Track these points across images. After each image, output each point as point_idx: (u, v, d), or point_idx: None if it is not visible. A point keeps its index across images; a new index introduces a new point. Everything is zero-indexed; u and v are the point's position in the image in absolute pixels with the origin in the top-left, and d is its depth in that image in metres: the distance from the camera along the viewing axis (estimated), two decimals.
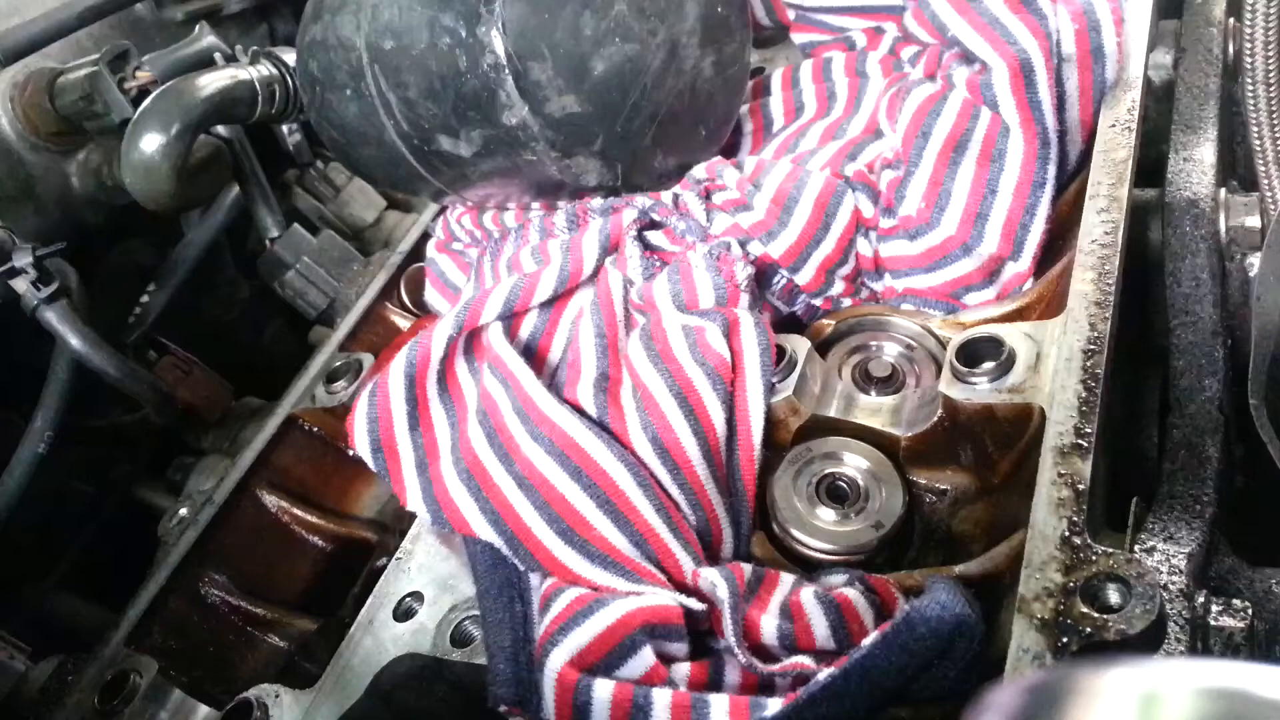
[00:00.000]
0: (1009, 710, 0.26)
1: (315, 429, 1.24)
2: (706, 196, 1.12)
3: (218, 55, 1.51)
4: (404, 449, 1.03)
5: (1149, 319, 1.10)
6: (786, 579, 0.85)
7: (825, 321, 1.11)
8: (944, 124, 1.07)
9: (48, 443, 1.27)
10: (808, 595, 0.81)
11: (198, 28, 1.57)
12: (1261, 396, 0.90)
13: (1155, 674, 0.24)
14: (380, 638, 0.96)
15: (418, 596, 0.98)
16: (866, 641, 0.73)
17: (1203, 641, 0.74)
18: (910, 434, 0.96)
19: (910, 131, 1.10)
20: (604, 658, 0.79)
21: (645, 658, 0.78)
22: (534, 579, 0.90)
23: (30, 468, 1.26)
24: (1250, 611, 0.74)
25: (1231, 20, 1.30)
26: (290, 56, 1.45)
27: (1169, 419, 0.98)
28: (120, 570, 1.21)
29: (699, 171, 1.14)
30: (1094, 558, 0.71)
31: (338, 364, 1.29)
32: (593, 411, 0.96)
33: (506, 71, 1.04)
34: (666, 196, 1.13)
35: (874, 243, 1.12)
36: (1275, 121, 1.20)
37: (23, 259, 1.25)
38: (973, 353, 0.92)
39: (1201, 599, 0.75)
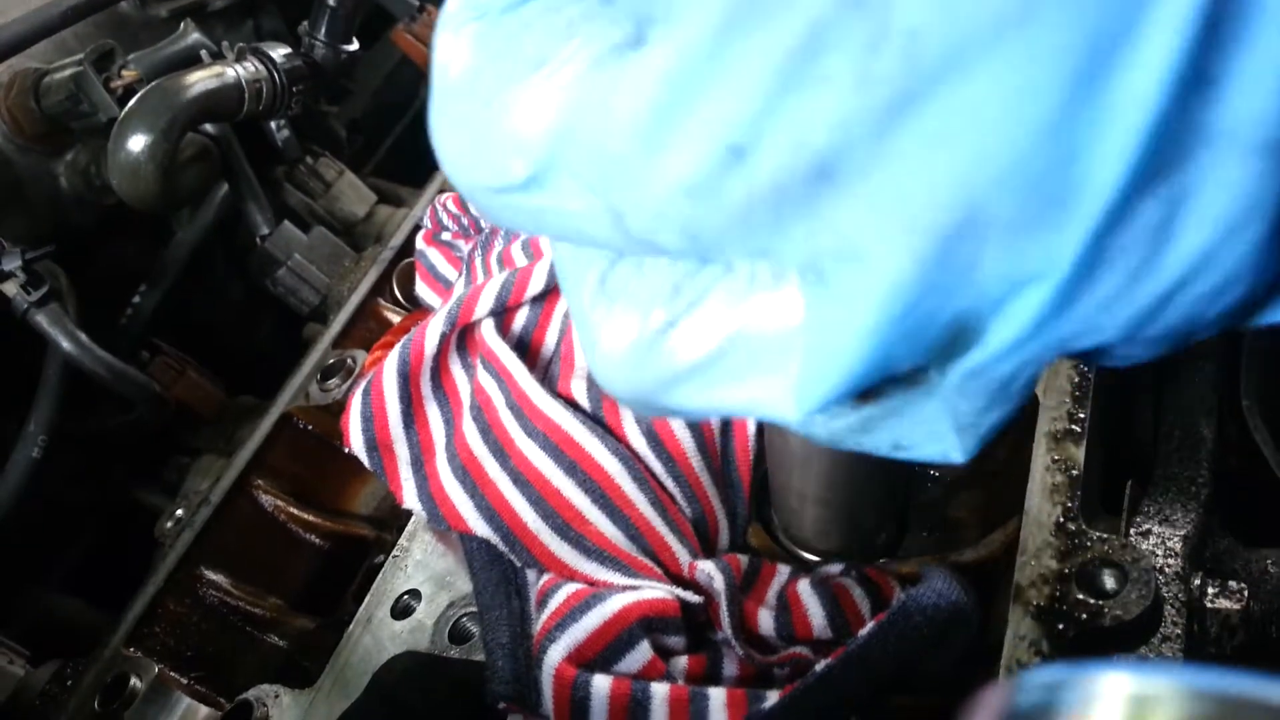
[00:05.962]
0: (999, 712, 0.26)
1: (310, 427, 1.24)
2: None
3: (203, 52, 1.50)
4: (399, 446, 1.03)
5: None
6: (783, 569, 0.85)
7: None
8: None
9: (42, 446, 1.27)
10: (804, 585, 0.81)
11: (183, 25, 1.56)
12: (1255, 396, 0.90)
13: (1147, 676, 0.24)
14: (379, 636, 0.96)
15: (415, 594, 0.98)
16: (863, 631, 0.73)
17: (1199, 624, 0.74)
18: None
19: None
20: (602, 652, 0.79)
21: (643, 651, 0.78)
22: (530, 575, 0.90)
23: (25, 472, 1.26)
24: (1246, 593, 0.74)
25: None
26: (276, 52, 1.44)
27: (1163, 399, 0.97)
28: (118, 572, 1.21)
29: None
30: (1089, 543, 0.71)
31: (331, 361, 1.28)
32: (587, 405, 0.96)
33: None
34: None
35: None
36: None
37: (12, 262, 1.24)
38: None
39: (1197, 581, 0.75)
